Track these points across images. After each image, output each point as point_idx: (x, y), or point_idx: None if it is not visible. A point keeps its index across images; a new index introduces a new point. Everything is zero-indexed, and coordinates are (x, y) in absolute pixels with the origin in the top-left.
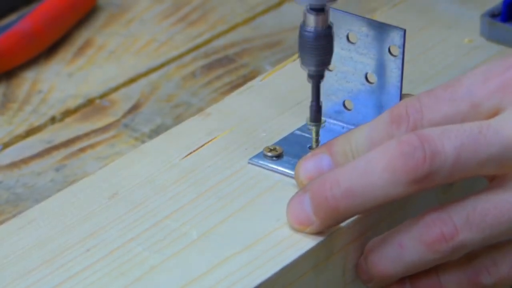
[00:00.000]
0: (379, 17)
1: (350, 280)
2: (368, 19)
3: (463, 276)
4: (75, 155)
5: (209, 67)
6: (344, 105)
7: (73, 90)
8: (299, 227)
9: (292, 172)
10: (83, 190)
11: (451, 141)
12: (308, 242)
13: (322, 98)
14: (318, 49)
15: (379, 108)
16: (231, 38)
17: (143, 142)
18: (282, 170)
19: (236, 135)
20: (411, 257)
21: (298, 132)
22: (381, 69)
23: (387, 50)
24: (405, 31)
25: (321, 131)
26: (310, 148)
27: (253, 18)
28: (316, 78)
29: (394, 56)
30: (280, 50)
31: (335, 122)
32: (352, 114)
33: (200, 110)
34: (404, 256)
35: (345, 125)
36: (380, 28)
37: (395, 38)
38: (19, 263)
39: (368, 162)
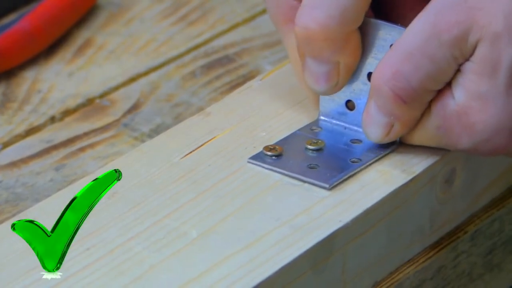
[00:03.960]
0: None
1: (350, 280)
2: (369, 18)
3: None
4: (75, 155)
5: (209, 66)
6: (346, 106)
7: (73, 90)
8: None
9: (292, 174)
10: None
11: None
12: (307, 242)
13: (324, 98)
14: None
15: None
16: (231, 38)
17: (142, 141)
18: (282, 170)
19: (235, 135)
20: None
21: (299, 133)
22: None
23: (388, 48)
24: (405, 29)
25: (322, 132)
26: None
27: (253, 17)
28: None
29: None
30: (279, 50)
31: (337, 122)
32: (354, 114)
33: (200, 109)
34: None
35: (347, 125)
36: (381, 27)
37: (396, 36)
38: (18, 262)
39: None
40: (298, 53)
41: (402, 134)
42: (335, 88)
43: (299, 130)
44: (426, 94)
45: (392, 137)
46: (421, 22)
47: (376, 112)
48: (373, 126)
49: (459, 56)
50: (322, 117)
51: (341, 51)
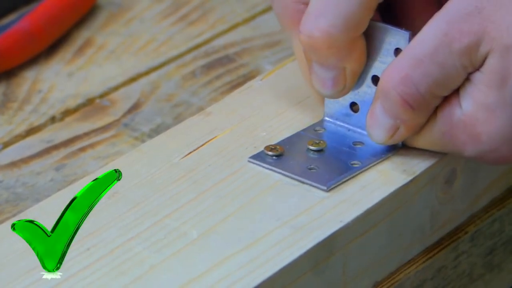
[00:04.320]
0: None
1: (350, 280)
2: (374, 21)
3: None
4: (75, 155)
5: (209, 66)
6: (350, 108)
7: (73, 90)
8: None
9: (290, 175)
10: None
11: None
12: (308, 242)
13: (330, 100)
14: None
15: None
16: (231, 38)
17: (143, 141)
18: (281, 170)
19: (236, 135)
20: None
21: (303, 133)
22: None
23: (393, 52)
24: (410, 33)
25: (325, 133)
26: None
27: (253, 17)
28: None
29: None
30: (280, 50)
31: (341, 124)
32: (358, 116)
33: (200, 109)
34: None
35: (351, 127)
36: (386, 31)
37: (400, 40)
38: (19, 262)
39: None
40: (305, 58)
41: (406, 137)
42: (342, 92)
43: (302, 130)
44: (434, 100)
45: (396, 139)
46: (433, 29)
47: (382, 114)
48: (378, 127)
49: (468, 65)
50: (326, 118)
51: (346, 58)
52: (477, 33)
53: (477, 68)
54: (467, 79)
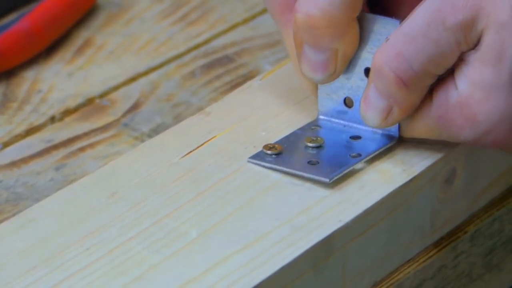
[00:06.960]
0: None
1: (350, 280)
2: (363, 12)
3: None
4: (75, 155)
5: (208, 66)
6: (345, 103)
7: (73, 90)
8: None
9: (292, 171)
10: (83, 189)
11: None
12: (307, 242)
13: (323, 98)
14: None
15: None
16: (231, 38)
17: (142, 141)
18: (282, 167)
19: (235, 134)
20: None
21: (299, 132)
22: None
23: (383, 42)
24: (400, 21)
25: (322, 130)
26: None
27: (253, 17)
28: None
29: None
30: (279, 50)
31: (336, 120)
32: (353, 111)
33: (200, 109)
34: None
35: (346, 122)
36: (375, 20)
37: (391, 29)
38: (18, 262)
39: None
40: (295, 42)
41: (400, 119)
42: (332, 76)
43: (298, 129)
44: (427, 78)
45: (390, 122)
46: (426, 6)
47: (375, 95)
48: (372, 109)
49: (462, 41)
50: (321, 116)
51: (341, 38)
52: (471, 8)
53: (472, 48)
54: (463, 60)
